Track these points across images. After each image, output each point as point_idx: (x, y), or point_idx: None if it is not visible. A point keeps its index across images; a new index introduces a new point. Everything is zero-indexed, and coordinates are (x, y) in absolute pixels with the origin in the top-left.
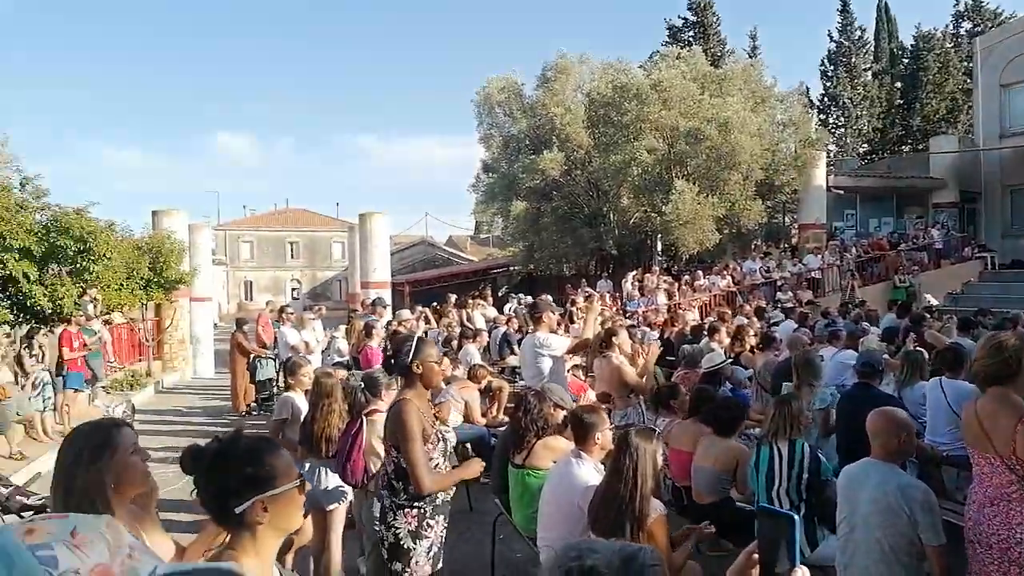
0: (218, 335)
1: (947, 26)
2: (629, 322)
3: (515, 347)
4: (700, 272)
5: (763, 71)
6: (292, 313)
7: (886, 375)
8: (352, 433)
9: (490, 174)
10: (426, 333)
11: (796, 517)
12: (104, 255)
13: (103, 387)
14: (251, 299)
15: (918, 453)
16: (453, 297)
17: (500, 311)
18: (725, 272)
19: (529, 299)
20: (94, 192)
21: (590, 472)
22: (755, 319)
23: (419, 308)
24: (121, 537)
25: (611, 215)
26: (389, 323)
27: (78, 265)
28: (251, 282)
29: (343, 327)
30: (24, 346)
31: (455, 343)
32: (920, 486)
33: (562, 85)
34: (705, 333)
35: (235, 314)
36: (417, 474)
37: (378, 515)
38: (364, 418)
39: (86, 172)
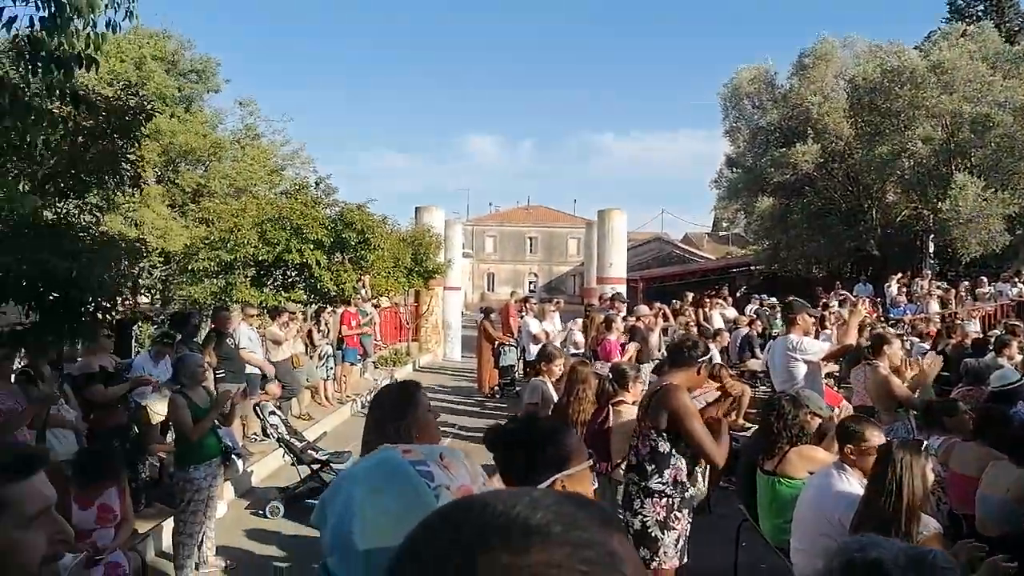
0: (464, 322)
1: None
2: (895, 332)
3: (756, 350)
4: (984, 278)
5: None
6: (535, 304)
7: None
8: (599, 421)
9: (734, 169)
10: (664, 331)
11: None
12: (379, 246)
13: (372, 362)
14: (492, 290)
15: None
16: (690, 295)
17: (739, 312)
18: (1016, 280)
19: (772, 300)
20: (368, 191)
21: (855, 486)
22: None
23: (657, 304)
24: (475, 467)
25: (873, 212)
26: (625, 318)
27: (358, 254)
28: (493, 274)
29: (580, 320)
30: (314, 323)
31: None
32: None
33: (820, 72)
34: (991, 348)
35: (478, 303)
36: (706, 449)
37: (621, 501)
38: (611, 407)
39: (361, 172)
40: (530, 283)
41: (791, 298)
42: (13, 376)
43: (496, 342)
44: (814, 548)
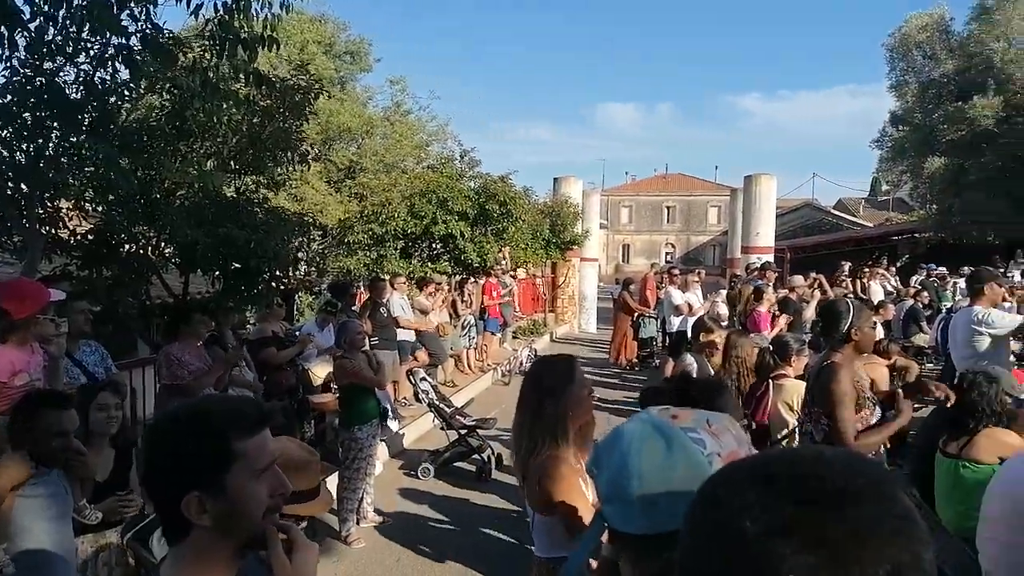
0: (599, 293)
1: None
2: None
3: (923, 324)
4: None
5: None
6: (678, 275)
7: None
8: (758, 395)
9: (900, 127)
10: (820, 303)
11: None
12: (520, 217)
13: (512, 332)
14: (627, 261)
15: None
16: (847, 265)
17: (903, 284)
18: None
19: (942, 270)
20: (509, 164)
21: None
22: None
23: (813, 275)
24: (740, 432)
25: None
26: (777, 289)
27: (500, 226)
28: (628, 245)
29: (723, 292)
30: (457, 293)
31: None
32: None
33: (1006, 15)
34: None
35: (613, 275)
36: (843, 435)
37: None
38: (771, 381)
39: (504, 147)
40: (667, 254)
41: (979, 267)
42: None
43: (635, 313)
44: (1007, 536)
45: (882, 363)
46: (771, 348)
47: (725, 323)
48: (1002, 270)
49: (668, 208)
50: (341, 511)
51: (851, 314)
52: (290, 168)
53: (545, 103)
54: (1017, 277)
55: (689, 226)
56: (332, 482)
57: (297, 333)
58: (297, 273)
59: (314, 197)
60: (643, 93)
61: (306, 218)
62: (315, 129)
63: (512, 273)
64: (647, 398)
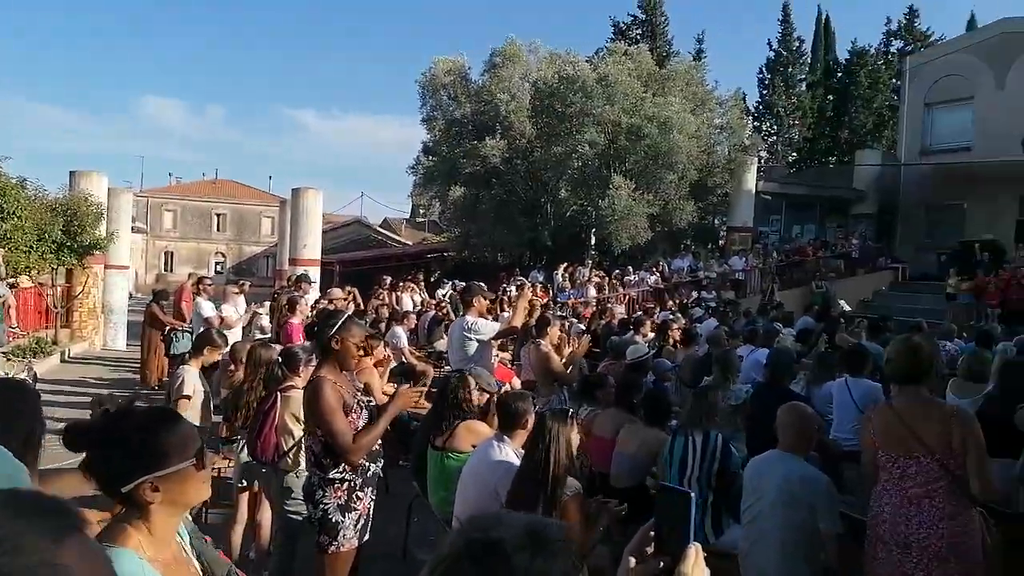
0: (133, 305)
1: (879, 44)
2: (559, 313)
3: (444, 332)
4: (630, 268)
5: (705, 74)
6: (211, 285)
7: (797, 374)
8: (266, 409)
9: (430, 157)
10: (359, 314)
11: (692, 495)
12: (14, 213)
13: (3, 353)
14: (171, 270)
15: (822, 448)
16: (388, 279)
17: (432, 296)
18: (655, 269)
19: (463, 285)
20: (6, 146)
21: (511, 456)
22: (679, 316)
23: (348, 288)
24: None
25: (548, 206)
26: (318, 301)
27: None
28: (172, 253)
29: (267, 303)
30: None
31: (383, 325)
32: (822, 477)
33: (509, 72)
34: (631, 327)
35: (153, 285)
36: (341, 444)
37: (303, 493)
38: (279, 394)
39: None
40: (216, 264)
41: (469, 283)
42: None
43: (166, 328)
44: (472, 514)
45: (373, 370)
46: (279, 359)
47: (268, 335)
48: (503, 286)
49: (219, 215)
50: None
51: (336, 326)
52: None
53: (68, 83)
54: (514, 291)
55: (241, 235)
56: None
57: None
58: None
59: None
60: (192, 92)
61: None
62: None
63: (11, 281)
64: (67, 439)
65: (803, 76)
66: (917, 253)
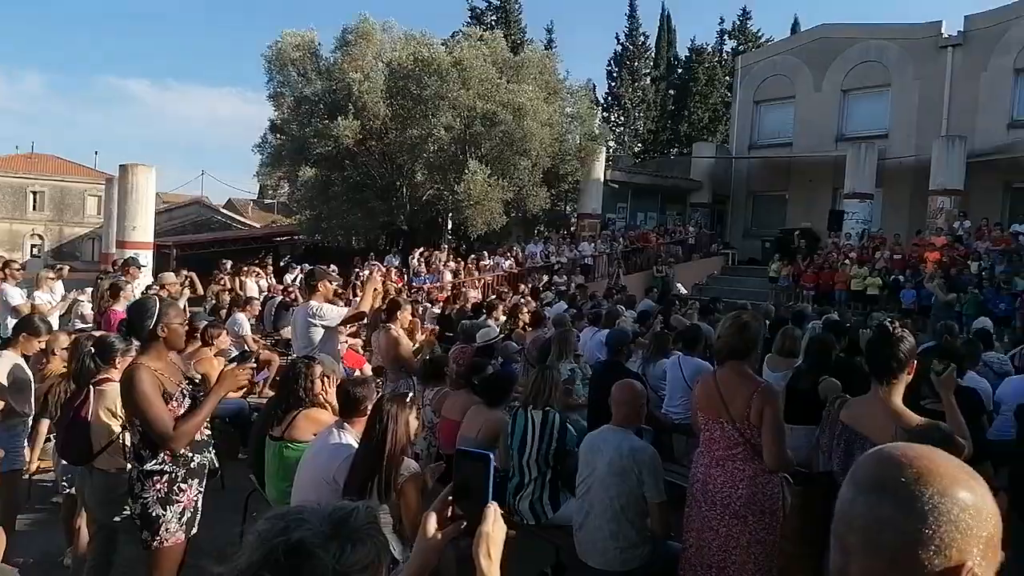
0: None
1: (716, 42)
2: (412, 298)
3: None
4: (486, 252)
5: (557, 64)
6: (20, 270)
7: (635, 352)
8: (76, 404)
9: (278, 135)
10: (198, 300)
11: (491, 455)
12: None
13: None
14: None
15: (655, 422)
16: (229, 263)
17: (280, 281)
18: (509, 254)
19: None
20: None
21: (350, 443)
22: (531, 299)
23: (184, 272)
24: None
25: (404, 190)
26: (149, 287)
27: None
28: None
29: (89, 289)
30: None
31: (224, 311)
32: (649, 449)
33: (362, 51)
34: (484, 311)
35: None
36: (159, 431)
37: (122, 491)
38: (92, 387)
39: None
40: (33, 246)
41: (315, 267)
42: None
43: None
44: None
45: (212, 360)
46: (92, 350)
47: (90, 324)
48: (357, 271)
49: (36, 193)
50: None
51: (156, 312)
52: None
53: None
54: (367, 276)
55: (62, 215)
56: None
57: None
58: None
59: None
60: (3, 56)
61: None
62: None
63: None
64: None
65: (648, 70)
66: (745, 240)
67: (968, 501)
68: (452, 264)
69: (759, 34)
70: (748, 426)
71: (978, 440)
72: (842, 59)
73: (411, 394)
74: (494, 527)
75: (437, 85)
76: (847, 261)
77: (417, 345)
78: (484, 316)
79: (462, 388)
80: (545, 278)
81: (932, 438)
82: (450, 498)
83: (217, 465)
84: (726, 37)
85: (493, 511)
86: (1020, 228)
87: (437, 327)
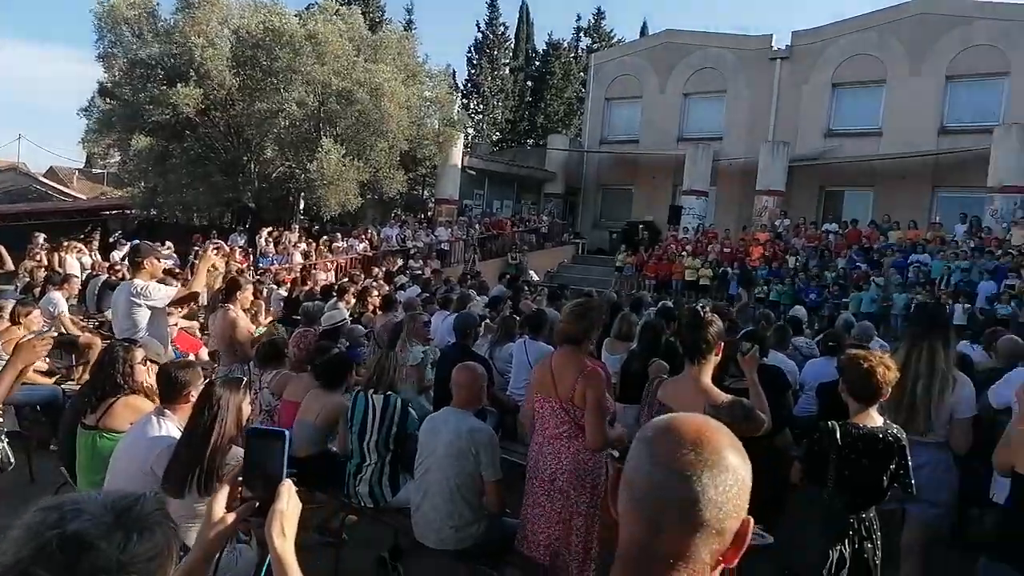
0: None
1: (572, 39)
2: (258, 279)
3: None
4: (339, 234)
5: (416, 46)
6: None
7: (484, 336)
8: None
9: (108, 100)
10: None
11: (287, 432)
12: None
13: None
14: None
15: (499, 403)
16: (41, 237)
17: (107, 258)
18: (364, 236)
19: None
20: None
21: (171, 432)
22: (384, 283)
23: None
24: None
25: (252, 166)
26: None
27: None
28: None
29: None
30: None
31: (38, 290)
32: (486, 429)
33: (206, 14)
34: (334, 294)
35: None
36: None
37: None
38: None
39: None
40: None
41: (140, 242)
42: None
43: None
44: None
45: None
46: None
47: None
48: (196, 249)
49: None
50: None
51: None
52: None
53: None
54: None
55: None
56: None
57: None
58: None
59: None
60: None
61: None
62: None
63: None
64: None
65: (507, 61)
66: (594, 230)
67: (736, 464)
68: (303, 245)
69: (612, 34)
70: (573, 406)
71: (780, 415)
72: (684, 64)
73: (244, 379)
74: (289, 504)
75: (289, 58)
76: (683, 253)
77: (264, 328)
78: (334, 299)
79: (304, 371)
80: (400, 262)
81: (735, 414)
82: (240, 478)
83: (12, 459)
84: (582, 34)
85: (287, 488)
86: (830, 227)
87: (283, 308)
